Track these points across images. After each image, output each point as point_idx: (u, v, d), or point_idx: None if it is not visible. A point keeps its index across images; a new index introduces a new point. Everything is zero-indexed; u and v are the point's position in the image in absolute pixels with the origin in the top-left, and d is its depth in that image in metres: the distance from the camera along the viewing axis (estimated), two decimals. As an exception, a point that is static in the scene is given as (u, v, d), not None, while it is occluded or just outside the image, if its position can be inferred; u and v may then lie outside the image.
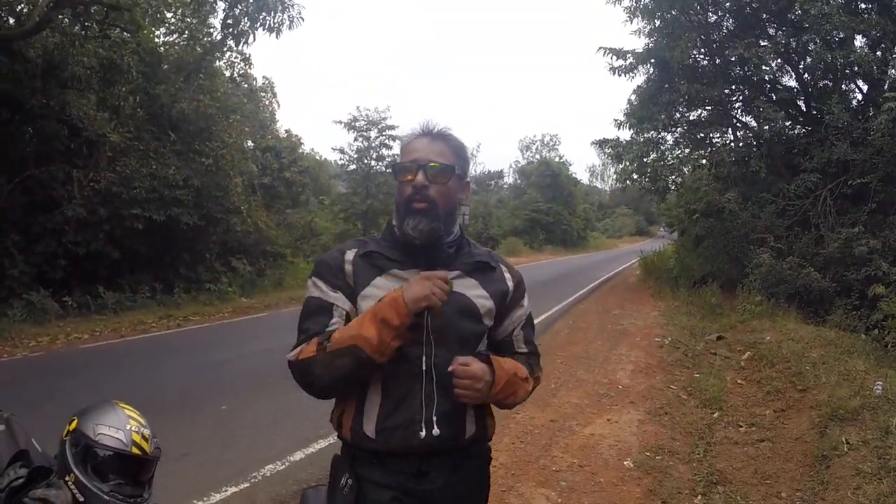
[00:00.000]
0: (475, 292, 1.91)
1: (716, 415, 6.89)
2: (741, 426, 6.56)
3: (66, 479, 1.87)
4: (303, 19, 13.82)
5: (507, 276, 2.01)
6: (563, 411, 6.68)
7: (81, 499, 1.86)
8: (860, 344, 9.15)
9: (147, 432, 2.01)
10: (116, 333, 11.80)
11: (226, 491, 4.62)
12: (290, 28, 13.74)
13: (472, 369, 1.76)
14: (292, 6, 13.64)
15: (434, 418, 1.80)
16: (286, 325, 9.70)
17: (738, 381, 8.34)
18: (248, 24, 13.59)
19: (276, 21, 13.51)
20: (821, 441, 5.57)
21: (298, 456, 5.36)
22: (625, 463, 5.23)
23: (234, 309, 15.39)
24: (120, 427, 1.93)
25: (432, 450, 1.84)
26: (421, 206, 1.82)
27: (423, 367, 1.81)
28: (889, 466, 4.62)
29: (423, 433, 1.80)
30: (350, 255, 1.92)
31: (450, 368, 1.75)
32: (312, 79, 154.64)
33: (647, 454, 5.45)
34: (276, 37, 13.69)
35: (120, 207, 14.27)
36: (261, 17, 13.44)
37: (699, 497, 4.72)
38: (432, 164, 1.84)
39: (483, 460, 2.05)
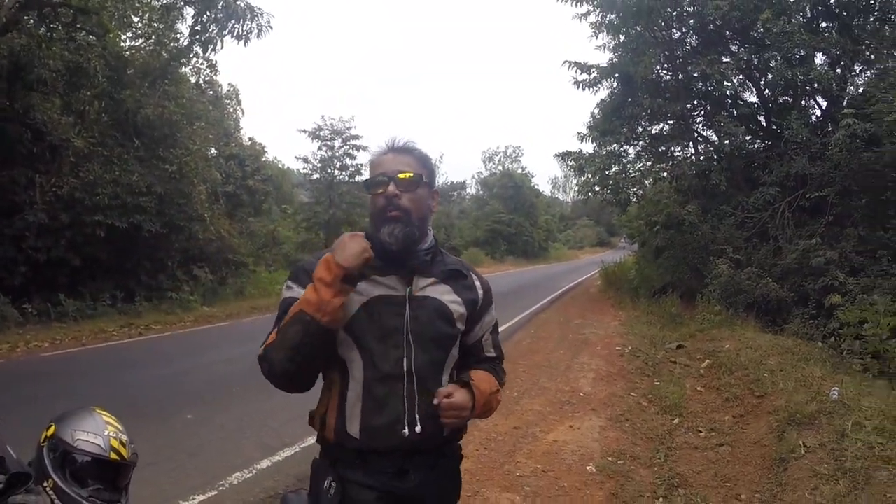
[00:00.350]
0: (449, 297, 2.00)
1: (676, 421, 7.02)
2: (701, 431, 6.70)
3: (45, 484, 1.87)
4: (271, 28, 13.85)
5: (477, 284, 2.11)
6: (526, 418, 6.75)
7: None
8: (817, 351, 9.33)
9: (125, 438, 2.03)
10: (77, 342, 11.65)
11: (194, 499, 4.62)
12: (258, 36, 13.74)
13: (456, 401, 1.88)
14: (261, 14, 13.64)
15: (417, 416, 1.88)
16: (248, 335, 9.82)
17: (698, 389, 8.49)
18: (216, 32, 13.52)
19: (244, 29, 13.48)
20: (779, 445, 5.71)
21: (265, 464, 5.37)
22: (587, 468, 5.31)
23: (196, 318, 15.25)
24: (98, 433, 1.95)
25: (413, 448, 1.91)
26: (395, 214, 1.90)
27: (405, 368, 1.88)
28: (845, 468, 4.75)
29: (406, 431, 1.87)
30: None
31: (435, 402, 1.87)
32: (278, 87, 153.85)
33: (610, 459, 5.54)
34: (245, 45, 13.67)
35: (82, 214, 14.10)
36: (230, 24, 13.39)
37: (660, 500, 4.81)
38: (401, 174, 1.92)
39: (455, 460, 2.14)
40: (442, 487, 2.06)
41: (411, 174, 1.94)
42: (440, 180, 78.28)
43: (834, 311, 10.29)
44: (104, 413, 2.07)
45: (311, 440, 5.70)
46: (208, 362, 9.88)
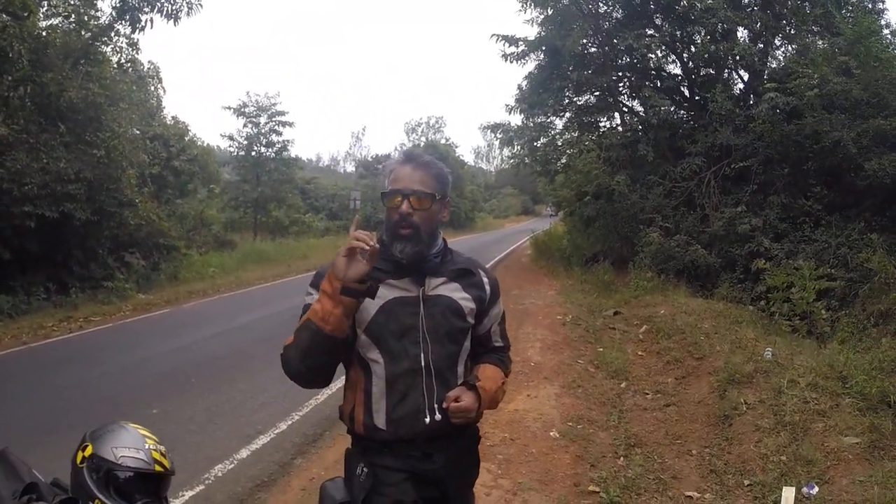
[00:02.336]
0: (459, 294, 2.15)
1: (623, 385, 7.42)
2: (647, 394, 7.11)
3: None
4: (201, 6, 13.59)
5: (485, 280, 2.25)
6: (486, 390, 7.01)
7: None
8: (747, 314, 9.85)
9: (163, 448, 2.09)
10: (17, 340, 11.14)
11: (183, 495, 4.60)
12: (188, 15, 13.50)
13: (464, 405, 2.03)
14: (190, -9, 13.36)
15: (435, 406, 2.06)
16: (192, 322, 9.81)
17: (639, 353, 8.93)
18: (148, 10, 13.16)
19: (174, 7, 13.20)
20: (721, 403, 6.15)
21: (244, 453, 5.40)
22: (551, 434, 5.62)
23: (135, 307, 14.78)
24: (139, 447, 2.00)
25: (434, 434, 2.08)
26: (406, 233, 2.03)
27: (423, 363, 2.05)
28: (784, 421, 5.19)
29: (427, 419, 2.05)
30: None
31: (444, 405, 2.03)
32: (199, 61, 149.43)
33: (570, 424, 5.87)
34: (175, 24, 13.39)
35: (10, 205, 13.49)
36: (158, 2, 13.09)
37: (621, 459, 5.17)
38: (414, 194, 2.04)
39: (474, 441, 2.33)
40: (462, 467, 2.25)
41: (425, 193, 2.06)
42: (363, 153, 77.90)
43: (761, 276, 10.78)
44: (137, 426, 2.12)
45: (284, 426, 5.94)
46: (160, 353, 9.61)
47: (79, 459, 1.96)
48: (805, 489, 4.23)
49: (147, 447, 2.02)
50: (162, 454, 2.04)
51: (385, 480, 2.06)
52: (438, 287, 2.13)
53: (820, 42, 14.07)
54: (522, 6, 17.29)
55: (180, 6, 13.34)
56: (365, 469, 2.08)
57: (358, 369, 2.12)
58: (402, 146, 73.78)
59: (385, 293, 2.05)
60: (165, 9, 13.27)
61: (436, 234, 2.15)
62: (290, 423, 6.12)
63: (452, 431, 2.12)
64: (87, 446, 1.98)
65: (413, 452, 2.09)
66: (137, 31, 14.05)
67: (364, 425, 2.10)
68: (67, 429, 5.77)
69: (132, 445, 1.98)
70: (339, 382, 2.26)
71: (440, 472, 2.12)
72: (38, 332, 11.77)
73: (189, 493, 4.66)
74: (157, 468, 2.00)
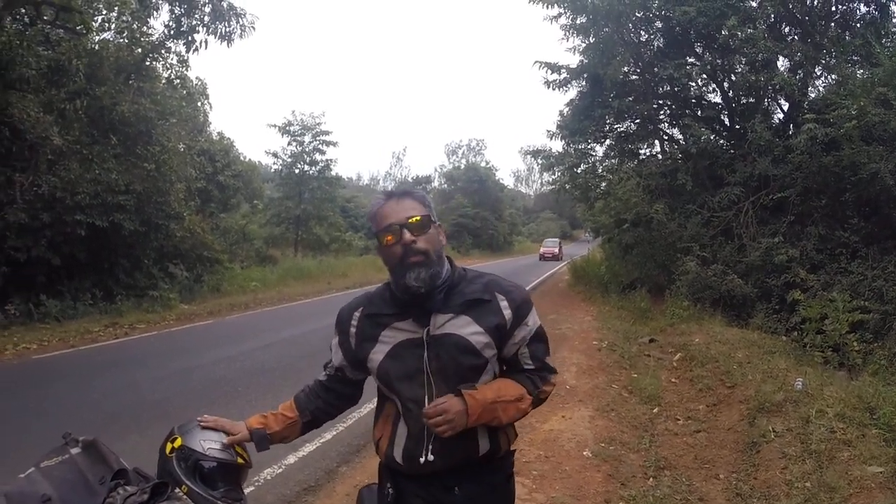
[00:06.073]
0: (469, 329, 2.02)
1: (655, 410, 7.55)
2: (679, 419, 7.24)
3: (178, 490, 2.03)
4: (254, 28, 13.96)
5: (504, 304, 2.07)
6: (522, 410, 7.19)
7: None
8: (781, 345, 9.91)
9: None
10: (65, 343, 11.59)
11: None
12: (240, 37, 13.87)
13: (442, 406, 1.93)
14: (244, 15, 13.79)
15: (430, 447, 2.02)
16: (238, 333, 10.18)
17: (672, 380, 9.03)
18: (203, 32, 13.57)
19: (228, 29, 13.60)
20: (750, 430, 6.26)
21: (292, 459, 5.61)
22: (584, 453, 5.79)
23: (178, 316, 15.28)
24: (223, 440, 2.19)
25: (441, 469, 2.05)
26: (416, 260, 1.95)
27: (426, 405, 1.99)
28: (811, 450, 5.30)
29: (421, 459, 2.03)
30: (357, 313, 2.15)
31: (423, 410, 1.97)
32: (246, 80, 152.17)
33: (602, 445, 6.03)
34: (228, 45, 13.78)
35: (63, 213, 14.04)
36: (213, 24, 13.49)
37: (651, 479, 5.33)
38: (410, 219, 1.98)
39: (501, 475, 2.20)
40: (489, 501, 2.16)
41: (419, 217, 1.99)
42: (404, 174, 78.45)
43: (796, 307, 10.72)
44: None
45: (329, 436, 6.20)
46: (206, 362, 9.89)
47: (168, 450, 2.13)
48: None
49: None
50: (243, 448, 2.23)
51: (408, 503, 2.13)
52: (445, 325, 2.02)
53: (859, 72, 14.00)
54: (565, 34, 17.63)
55: (234, 29, 13.72)
56: (391, 490, 2.14)
57: (392, 405, 2.14)
58: (441, 168, 74.29)
59: (392, 337, 2.06)
60: (220, 31, 13.65)
61: (442, 258, 2.06)
62: (335, 433, 6.34)
63: (471, 464, 2.08)
64: (176, 438, 2.15)
65: (435, 483, 2.08)
66: (191, 51, 14.50)
67: (386, 456, 2.13)
68: (121, 429, 6.10)
69: (217, 439, 2.17)
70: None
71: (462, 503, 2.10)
72: (85, 336, 12.20)
73: (242, 493, 4.89)
74: (240, 460, 2.19)
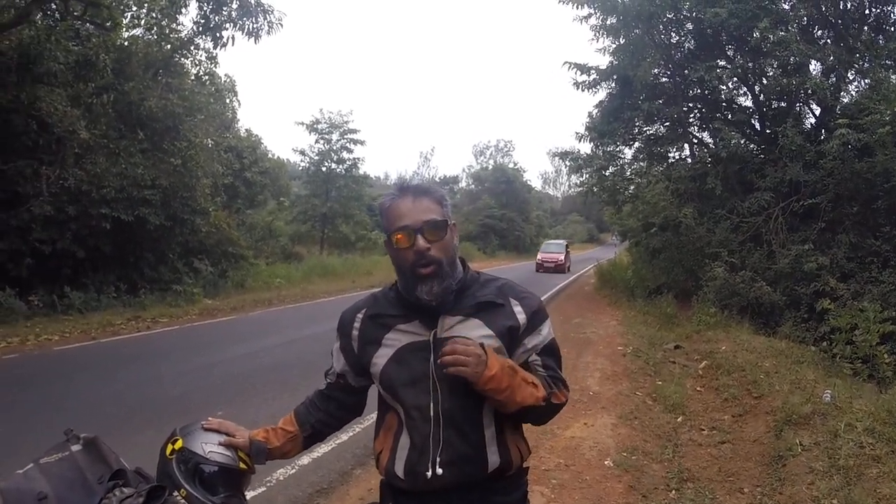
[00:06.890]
0: (479, 333, 1.89)
1: (679, 419, 7.39)
2: (703, 430, 7.07)
3: (176, 494, 1.98)
4: (282, 25, 14.01)
5: (518, 309, 1.96)
6: (544, 416, 7.09)
7: None
8: (809, 355, 9.69)
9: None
10: (86, 335, 11.70)
11: (246, 495, 4.78)
12: (268, 33, 13.92)
13: (462, 343, 1.78)
14: (272, 12, 13.83)
15: (438, 459, 1.86)
16: (260, 329, 10.06)
17: (698, 389, 8.85)
18: (230, 28, 13.65)
19: (255, 26, 13.65)
20: (776, 443, 6.09)
21: (306, 460, 5.55)
22: (605, 462, 5.68)
23: (201, 311, 15.39)
24: (226, 444, 2.11)
25: (449, 485, 1.90)
26: (428, 271, 1.84)
27: (432, 413, 1.87)
28: (838, 465, 5.14)
29: (428, 473, 1.87)
30: (360, 315, 2.03)
31: (443, 349, 1.78)
32: (274, 77, 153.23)
33: (624, 454, 5.91)
34: (256, 42, 13.85)
35: (89, 206, 14.25)
36: (241, 21, 13.56)
37: (673, 492, 5.19)
38: (427, 224, 1.85)
39: (515, 495, 2.04)
40: None
41: (437, 221, 1.86)
42: (431, 174, 78.59)
43: (825, 316, 10.49)
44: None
45: (345, 437, 6.10)
46: (227, 357, 9.93)
47: (168, 451, 2.06)
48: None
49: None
50: (246, 453, 2.14)
51: None
52: (454, 327, 1.90)
53: (893, 77, 13.71)
54: (595, 35, 17.48)
55: (261, 25, 13.77)
56: None
57: (394, 415, 2.00)
58: (469, 168, 74.23)
59: (396, 340, 1.94)
60: (247, 27, 13.71)
61: (455, 263, 1.94)
62: (351, 434, 6.24)
63: (479, 482, 1.94)
64: (177, 440, 2.08)
65: (437, 500, 1.93)
66: (219, 47, 14.55)
67: (386, 471, 1.99)
68: (141, 422, 6.11)
69: (220, 442, 2.09)
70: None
71: None
72: (107, 329, 12.34)
73: (251, 494, 4.71)
74: (241, 465, 2.11)
